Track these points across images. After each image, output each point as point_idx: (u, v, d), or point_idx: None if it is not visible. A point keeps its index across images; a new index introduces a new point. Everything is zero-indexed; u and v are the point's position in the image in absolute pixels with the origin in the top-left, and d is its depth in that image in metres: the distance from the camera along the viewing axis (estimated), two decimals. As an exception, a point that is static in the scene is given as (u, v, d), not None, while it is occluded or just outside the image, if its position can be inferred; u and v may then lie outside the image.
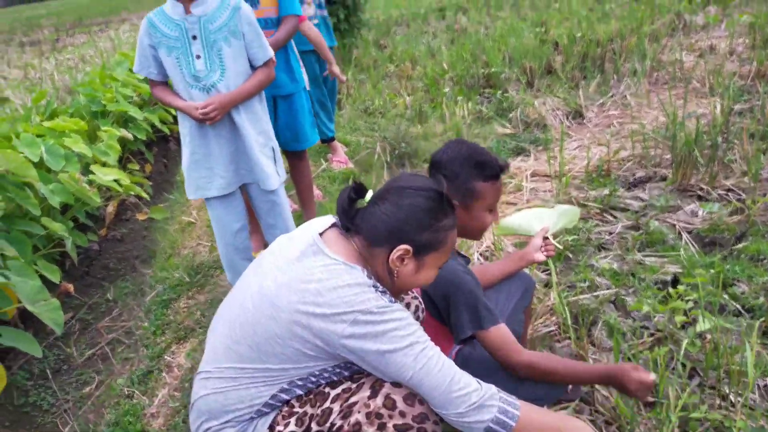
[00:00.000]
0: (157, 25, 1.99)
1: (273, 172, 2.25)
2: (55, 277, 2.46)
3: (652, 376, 1.34)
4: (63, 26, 21.79)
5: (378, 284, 1.24)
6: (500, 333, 1.44)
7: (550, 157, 3.55)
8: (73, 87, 4.78)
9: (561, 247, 2.57)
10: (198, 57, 1.99)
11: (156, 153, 4.73)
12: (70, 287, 2.73)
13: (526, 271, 2.05)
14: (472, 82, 5.36)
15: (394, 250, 1.23)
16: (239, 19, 2.02)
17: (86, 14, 25.74)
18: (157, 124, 4.16)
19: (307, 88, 2.87)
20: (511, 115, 4.42)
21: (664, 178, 3.19)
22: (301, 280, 1.19)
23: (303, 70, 2.83)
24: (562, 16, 7.65)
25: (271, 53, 2.14)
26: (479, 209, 1.53)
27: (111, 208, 3.31)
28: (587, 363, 1.84)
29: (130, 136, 3.76)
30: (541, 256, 1.75)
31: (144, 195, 3.23)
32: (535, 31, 6.71)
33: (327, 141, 4.01)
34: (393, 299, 1.23)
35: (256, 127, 2.19)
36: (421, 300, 1.55)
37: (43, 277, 2.37)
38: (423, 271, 1.29)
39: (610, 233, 2.74)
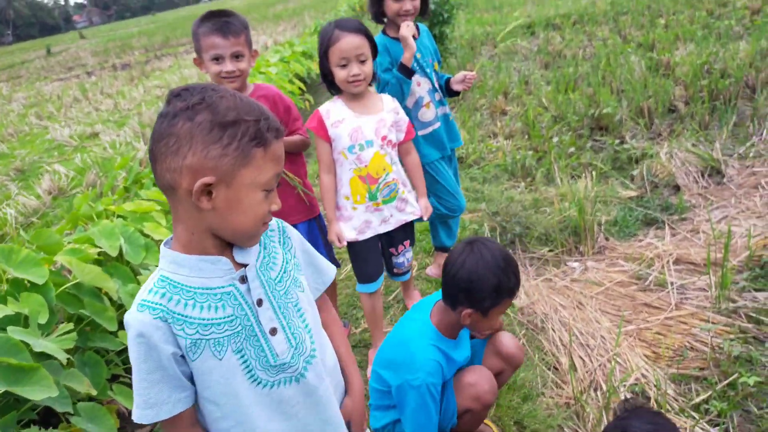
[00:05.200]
0: (180, 312, 1.06)
1: None
2: (131, 404, 2.17)
3: None
4: (152, 47, 22.74)
5: None
6: None
7: (691, 232, 2.96)
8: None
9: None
10: (273, 332, 1.14)
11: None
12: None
13: None
14: (578, 125, 4.78)
15: None
16: (293, 244, 1.27)
17: (172, 35, 26.80)
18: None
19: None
20: (634, 172, 3.82)
21: None
22: None
23: None
24: (672, 36, 6.88)
25: (333, 272, 1.38)
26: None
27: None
28: None
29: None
30: None
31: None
32: (645, 58, 6.02)
33: (441, 249, 3.06)
34: None
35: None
36: None
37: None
38: None
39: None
